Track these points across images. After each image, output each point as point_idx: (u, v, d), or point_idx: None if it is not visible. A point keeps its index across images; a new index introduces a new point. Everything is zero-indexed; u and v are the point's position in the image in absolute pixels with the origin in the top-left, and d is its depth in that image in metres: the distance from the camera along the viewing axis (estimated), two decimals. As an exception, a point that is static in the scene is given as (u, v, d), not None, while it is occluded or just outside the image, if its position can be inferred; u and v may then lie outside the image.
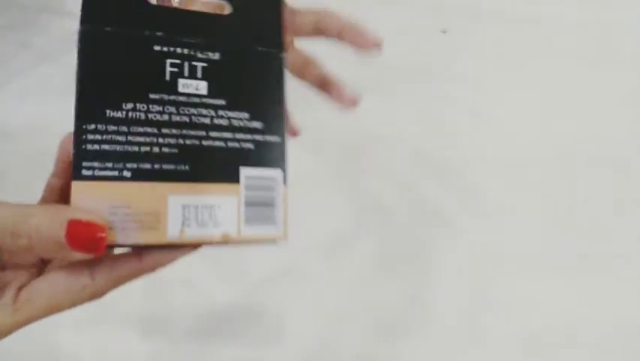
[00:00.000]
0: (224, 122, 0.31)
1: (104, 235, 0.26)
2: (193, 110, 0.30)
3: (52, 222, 0.25)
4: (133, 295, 0.56)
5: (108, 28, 0.29)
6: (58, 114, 0.65)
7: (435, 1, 0.79)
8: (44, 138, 0.63)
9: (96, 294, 0.28)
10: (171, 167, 0.29)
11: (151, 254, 0.28)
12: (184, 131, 0.29)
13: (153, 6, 0.30)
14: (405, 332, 0.55)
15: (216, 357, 0.53)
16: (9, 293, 0.28)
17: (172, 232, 0.28)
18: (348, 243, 0.60)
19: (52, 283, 0.28)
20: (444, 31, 0.77)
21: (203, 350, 0.54)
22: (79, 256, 0.26)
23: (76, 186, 0.27)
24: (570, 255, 0.60)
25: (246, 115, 0.31)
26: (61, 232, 0.25)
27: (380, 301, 0.57)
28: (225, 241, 0.30)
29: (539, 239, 0.61)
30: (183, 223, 0.29)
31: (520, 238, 0.61)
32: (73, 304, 0.28)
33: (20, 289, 0.28)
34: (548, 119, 0.69)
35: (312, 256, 0.59)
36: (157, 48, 0.30)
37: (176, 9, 0.31)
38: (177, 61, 0.30)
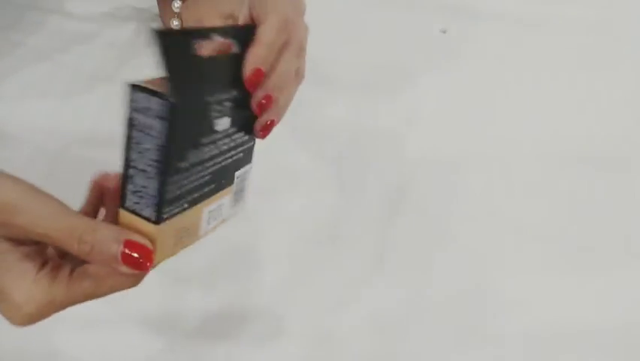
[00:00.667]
0: (233, 143, 0.37)
1: (151, 257, 0.33)
2: (221, 143, 0.36)
3: (113, 238, 0.31)
4: (133, 296, 0.56)
5: (187, 96, 0.32)
6: (55, 113, 0.65)
7: (435, 1, 0.79)
8: (41, 138, 0.63)
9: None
10: (206, 189, 0.36)
11: None
12: (216, 160, 0.36)
13: (201, 58, 0.33)
14: (405, 331, 0.55)
15: (216, 357, 0.53)
16: (64, 271, 0.33)
17: (201, 232, 0.37)
18: (348, 243, 0.60)
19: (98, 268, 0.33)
20: (444, 31, 0.77)
21: (203, 350, 0.54)
22: (126, 270, 0.32)
23: (157, 229, 0.32)
24: (570, 255, 0.60)
25: (242, 134, 0.38)
26: (118, 248, 0.31)
27: (380, 301, 0.57)
28: (222, 222, 0.40)
29: (539, 239, 0.61)
30: (208, 223, 0.38)
31: (520, 237, 0.61)
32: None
33: (73, 270, 0.33)
34: (548, 119, 0.70)
35: (312, 256, 0.59)
36: (207, 99, 0.34)
37: (213, 57, 0.35)
38: (218, 107, 0.35)
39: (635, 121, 0.70)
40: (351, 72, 0.71)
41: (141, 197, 0.32)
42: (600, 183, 0.65)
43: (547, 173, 0.65)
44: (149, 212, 0.32)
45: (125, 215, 0.33)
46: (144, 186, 0.31)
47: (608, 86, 0.73)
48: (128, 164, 0.32)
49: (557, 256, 0.60)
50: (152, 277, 0.56)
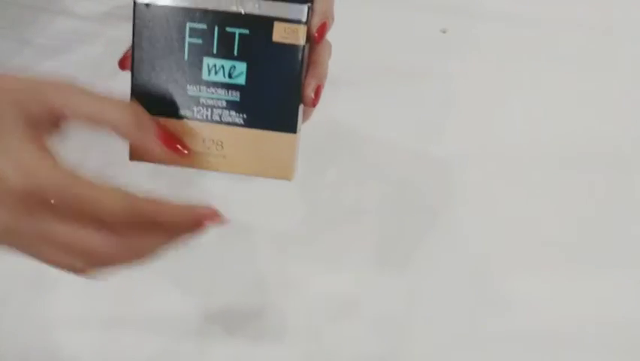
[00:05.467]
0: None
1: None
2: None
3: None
4: (133, 295, 0.56)
5: None
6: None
7: (435, 1, 0.79)
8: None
9: None
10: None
11: None
12: None
13: None
14: (405, 331, 0.55)
15: (216, 357, 0.53)
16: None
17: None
18: (347, 242, 0.60)
19: None
20: (444, 31, 0.77)
21: (203, 350, 0.54)
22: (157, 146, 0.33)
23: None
24: (570, 255, 0.60)
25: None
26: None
27: (380, 300, 0.57)
28: None
29: (539, 239, 0.61)
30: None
31: (521, 237, 0.61)
32: None
33: None
34: (548, 119, 0.69)
35: (311, 256, 0.59)
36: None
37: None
38: None
39: (635, 121, 0.70)
40: (351, 72, 0.71)
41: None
42: (600, 183, 0.65)
43: (547, 172, 0.65)
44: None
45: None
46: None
47: (608, 86, 0.73)
48: None
49: (557, 256, 0.60)
50: (152, 277, 0.57)
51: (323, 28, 0.36)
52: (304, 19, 0.34)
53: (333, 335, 0.55)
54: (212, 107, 0.35)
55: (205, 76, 0.34)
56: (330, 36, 0.75)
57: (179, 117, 0.35)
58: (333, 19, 0.37)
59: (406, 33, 0.76)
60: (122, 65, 0.37)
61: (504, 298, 0.57)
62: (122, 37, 0.75)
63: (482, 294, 0.57)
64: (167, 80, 0.34)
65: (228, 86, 0.34)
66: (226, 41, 0.33)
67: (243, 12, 0.32)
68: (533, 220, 0.62)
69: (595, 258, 0.60)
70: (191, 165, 0.36)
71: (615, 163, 0.67)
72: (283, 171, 0.37)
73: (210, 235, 0.59)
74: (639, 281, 0.59)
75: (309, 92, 0.36)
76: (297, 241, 0.60)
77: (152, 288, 0.56)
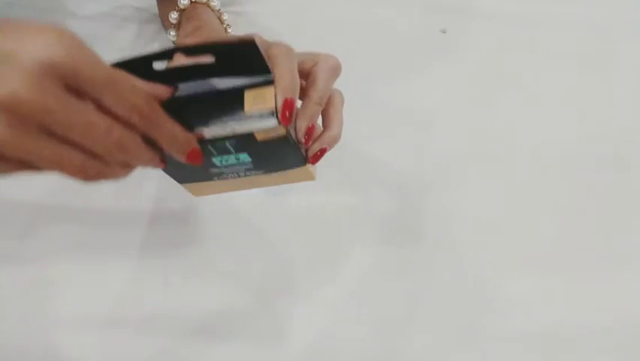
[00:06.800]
0: None
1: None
2: None
3: None
4: (133, 295, 0.56)
5: None
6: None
7: (435, 1, 0.79)
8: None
9: None
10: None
11: None
12: None
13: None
14: (405, 331, 0.55)
15: (216, 357, 0.53)
16: None
17: None
18: (347, 242, 0.60)
19: None
20: (444, 31, 0.77)
21: (203, 350, 0.54)
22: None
23: None
24: (570, 255, 0.60)
25: None
26: None
27: (380, 300, 0.57)
28: None
29: (539, 239, 0.61)
30: None
31: (521, 237, 0.61)
32: None
33: None
34: (548, 119, 0.70)
35: (311, 256, 0.59)
36: None
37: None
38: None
39: (635, 121, 0.70)
40: (351, 72, 0.71)
41: None
42: (600, 183, 0.65)
43: (547, 172, 0.65)
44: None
45: None
46: None
47: (608, 86, 0.73)
48: None
49: (557, 256, 0.60)
50: (152, 277, 0.57)
51: (287, 109, 0.36)
52: (274, 124, 0.36)
53: (333, 336, 0.55)
54: (231, 173, 0.41)
55: (218, 164, 0.39)
56: (331, 36, 0.76)
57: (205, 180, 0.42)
58: (297, 91, 0.37)
59: (406, 33, 0.76)
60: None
61: (503, 298, 0.57)
62: (122, 38, 0.75)
63: (482, 295, 0.57)
64: (190, 171, 0.39)
65: (239, 163, 0.39)
66: (222, 149, 0.37)
67: (225, 134, 0.36)
68: (533, 221, 0.62)
69: (595, 258, 0.60)
70: None
71: (615, 163, 0.67)
72: (306, 179, 0.43)
73: (210, 236, 0.59)
74: (639, 281, 0.59)
75: (312, 151, 0.41)
76: (297, 242, 0.60)
77: (152, 288, 0.56)
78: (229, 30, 0.65)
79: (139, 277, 0.57)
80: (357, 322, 0.56)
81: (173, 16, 0.63)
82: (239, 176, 0.41)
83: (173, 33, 0.64)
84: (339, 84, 0.43)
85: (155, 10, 0.73)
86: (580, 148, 0.67)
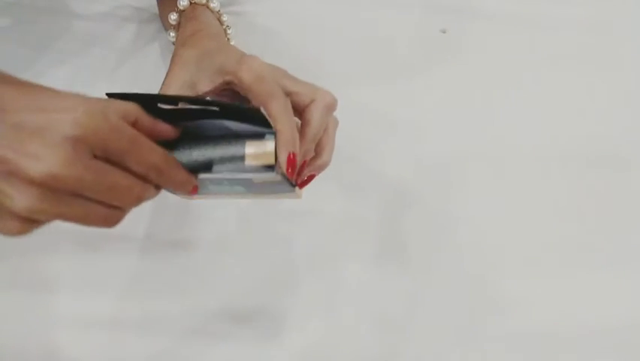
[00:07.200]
0: None
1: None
2: None
3: None
4: (133, 296, 0.56)
5: None
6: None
7: (435, 1, 0.79)
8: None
9: None
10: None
11: None
12: None
13: None
14: (405, 331, 0.55)
15: (216, 357, 0.53)
16: None
17: None
18: (347, 242, 0.60)
19: None
20: (444, 31, 0.77)
21: (203, 350, 0.54)
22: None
23: None
24: (570, 255, 0.60)
25: None
26: None
27: (380, 300, 0.57)
28: None
29: (539, 239, 0.61)
30: None
31: (520, 237, 0.61)
32: None
33: None
34: (548, 119, 0.69)
35: (311, 256, 0.59)
36: None
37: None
38: None
39: (635, 121, 0.70)
40: (350, 72, 0.71)
41: None
42: (600, 183, 0.65)
43: (547, 172, 0.65)
44: None
45: None
46: None
47: (608, 86, 0.73)
48: None
49: (557, 256, 0.60)
50: (152, 277, 0.57)
51: (290, 166, 0.39)
52: (273, 176, 0.39)
53: (333, 336, 0.55)
54: (223, 194, 0.43)
55: (212, 190, 0.41)
56: (330, 36, 0.75)
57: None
58: (297, 144, 0.40)
59: (406, 33, 0.76)
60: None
61: (503, 298, 0.57)
62: (122, 38, 0.75)
63: (482, 294, 0.57)
64: None
65: (233, 190, 0.42)
66: (219, 183, 0.40)
67: (225, 178, 0.39)
68: (532, 221, 0.62)
69: (594, 258, 0.60)
70: None
71: (615, 163, 0.67)
72: (292, 198, 0.45)
73: (210, 236, 0.59)
74: (639, 281, 0.59)
75: (301, 178, 0.44)
76: (297, 242, 0.60)
77: (152, 288, 0.56)
78: (229, 31, 0.64)
79: (139, 277, 0.57)
80: (357, 322, 0.56)
81: (173, 17, 0.63)
82: (229, 196, 0.44)
83: (172, 34, 0.64)
84: (338, 87, 0.43)
85: (155, 10, 0.73)
86: (580, 148, 0.67)
